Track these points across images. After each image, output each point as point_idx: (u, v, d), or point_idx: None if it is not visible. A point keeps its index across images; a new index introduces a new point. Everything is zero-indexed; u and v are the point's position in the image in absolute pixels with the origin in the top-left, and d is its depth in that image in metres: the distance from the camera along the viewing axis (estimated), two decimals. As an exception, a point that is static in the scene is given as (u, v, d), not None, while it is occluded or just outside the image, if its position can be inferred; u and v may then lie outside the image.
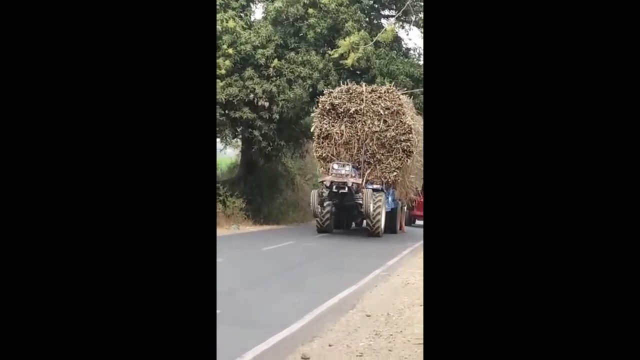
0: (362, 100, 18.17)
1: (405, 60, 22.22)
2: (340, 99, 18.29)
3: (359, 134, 18.14)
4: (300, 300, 7.85)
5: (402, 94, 18.65)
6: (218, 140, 23.84)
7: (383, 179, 18.22)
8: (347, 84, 18.77)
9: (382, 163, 18.15)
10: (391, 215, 19.66)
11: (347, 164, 17.40)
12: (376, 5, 23.65)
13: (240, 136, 23.92)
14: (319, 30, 20.56)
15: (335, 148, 18.30)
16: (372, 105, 18.11)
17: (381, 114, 18.03)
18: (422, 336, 6.00)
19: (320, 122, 18.43)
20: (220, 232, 17.74)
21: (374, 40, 19.38)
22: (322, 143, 18.48)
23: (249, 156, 23.66)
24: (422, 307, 7.54)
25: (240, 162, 25.22)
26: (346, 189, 16.78)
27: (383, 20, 24.38)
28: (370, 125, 18.06)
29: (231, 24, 19.63)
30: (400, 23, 23.13)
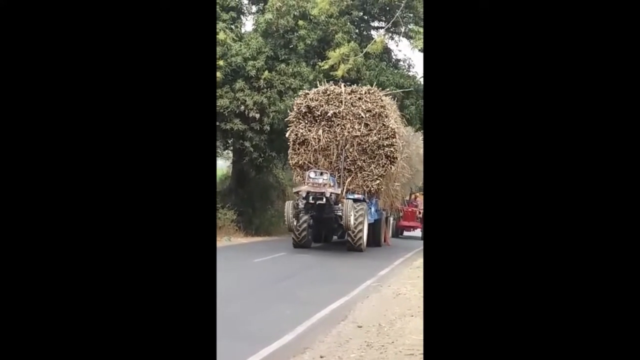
0: (341, 102, 16.69)
1: (395, 71, 22.34)
2: (317, 100, 16.78)
3: (338, 138, 16.62)
4: (291, 311, 7.84)
5: (385, 95, 17.46)
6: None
7: (365, 188, 16.71)
8: (324, 84, 17.54)
9: (364, 170, 16.66)
10: (375, 227, 18.30)
11: (325, 172, 15.78)
12: (366, 17, 23.80)
13: (231, 147, 23.92)
14: (309, 41, 20.65)
15: (313, 155, 16.78)
16: (352, 108, 16.64)
17: (362, 117, 16.55)
18: (413, 347, 6.02)
19: (296, 127, 16.94)
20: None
21: (364, 51, 19.42)
22: (298, 149, 16.95)
23: (240, 167, 23.65)
24: (413, 317, 7.56)
25: (232, 174, 25.18)
26: (324, 199, 15.23)
27: (373, 32, 24.54)
28: (350, 129, 16.53)
29: (222, 36, 19.67)
30: (390, 34, 23.27)
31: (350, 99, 16.74)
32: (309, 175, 15.65)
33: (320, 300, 8.58)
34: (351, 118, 16.55)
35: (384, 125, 16.52)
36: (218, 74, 19.36)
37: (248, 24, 23.31)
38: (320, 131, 16.71)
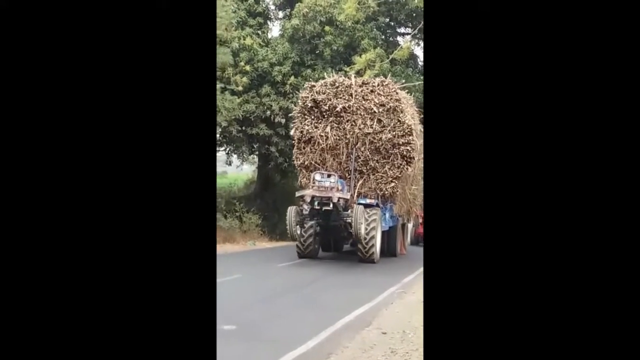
0: (351, 95, 14.79)
1: (422, 77, 22.28)
2: (324, 94, 14.87)
3: (348, 136, 14.76)
4: (315, 317, 7.84)
5: (400, 87, 15.60)
6: (235, 156, 23.95)
7: (378, 192, 14.85)
8: (332, 75, 15.72)
9: (377, 172, 14.82)
10: (389, 235, 16.43)
11: (333, 175, 14.12)
12: (392, 23, 23.78)
13: (257, 152, 24.03)
14: (336, 47, 20.70)
15: (320, 154, 14.97)
16: (364, 102, 14.73)
17: (374, 112, 14.64)
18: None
19: (301, 123, 15.13)
20: (236, 248, 17.75)
21: (390, 57, 19.40)
22: (304, 148, 15.14)
23: (266, 172, 23.76)
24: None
25: (257, 179, 25.31)
26: (331, 205, 13.57)
27: (399, 38, 24.52)
28: (362, 125, 14.66)
29: (248, 41, 19.82)
30: (416, 40, 23.21)
31: (362, 91, 14.84)
32: (314, 178, 14.01)
33: (344, 306, 8.57)
34: (362, 113, 14.71)
35: (399, 121, 14.62)
36: (244, 79, 19.50)
37: (275, 30, 23.46)
38: (328, 128, 14.86)
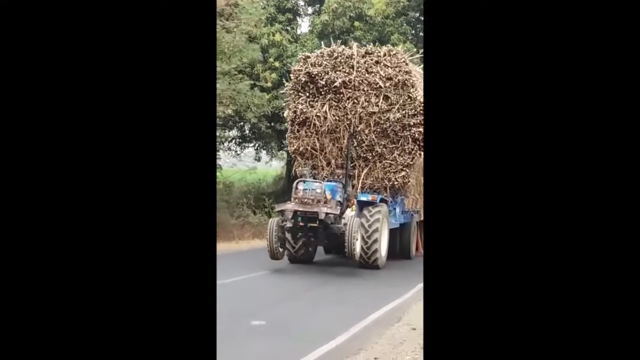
0: (352, 67, 12.24)
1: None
2: (320, 66, 12.34)
3: (350, 116, 12.25)
4: (344, 312, 7.83)
5: (410, 58, 12.88)
6: (264, 152, 24.03)
7: (387, 182, 12.35)
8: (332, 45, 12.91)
9: (385, 159, 12.31)
10: (402, 234, 13.56)
11: (319, 183, 11.20)
12: (422, 18, 23.60)
13: (286, 148, 24.08)
14: (365, 42, 20.61)
15: (317, 138, 12.51)
16: (367, 75, 12.17)
17: (380, 87, 12.07)
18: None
19: (295, 102, 12.57)
20: (264, 244, 17.83)
21: (420, 52, 19.26)
22: (298, 132, 12.65)
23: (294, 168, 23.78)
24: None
25: (285, 174, 25.36)
26: (317, 222, 10.79)
27: (429, 33, 24.30)
28: (365, 103, 12.14)
29: (278, 37, 19.83)
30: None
31: (365, 63, 12.29)
32: (297, 187, 11.17)
33: (373, 302, 8.54)
34: (366, 89, 12.16)
35: (409, 97, 12.04)
36: (274, 75, 19.51)
37: (304, 26, 23.41)
38: (326, 107, 12.35)
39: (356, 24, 20.51)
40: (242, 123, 20.87)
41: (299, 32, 22.40)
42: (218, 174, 18.81)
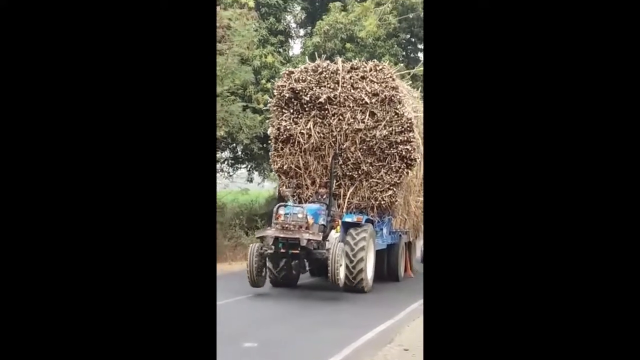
0: (338, 83, 11.99)
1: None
2: (304, 81, 12.10)
3: (335, 133, 11.99)
4: (337, 334, 7.80)
5: (396, 73, 12.79)
6: (256, 173, 24.04)
7: (373, 202, 12.06)
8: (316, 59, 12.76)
9: (372, 177, 12.05)
10: (389, 255, 13.36)
11: (300, 207, 10.84)
12: (413, 40, 23.79)
13: (278, 169, 24.05)
14: (357, 64, 20.73)
15: (301, 156, 12.22)
16: (353, 91, 11.93)
17: (366, 103, 11.87)
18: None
19: (278, 119, 12.32)
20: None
21: (411, 73, 19.38)
22: (282, 149, 12.36)
23: (277, 187, 23.75)
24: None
25: (277, 196, 25.34)
26: (299, 249, 10.44)
27: (420, 54, 24.50)
28: (351, 120, 11.89)
29: (270, 59, 19.92)
30: (438, 56, 23.19)
31: (350, 78, 12.04)
32: (277, 212, 10.90)
33: (365, 322, 8.51)
34: (352, 105, 11.96)
35: (396, 114, 11.81)
36: (266, 96, 19.55)
37: (296, 47, 23.57)
38: (310, 124, 12.09)
39: (347, 45, 20.65)
40: (234, 144, 20.89)
41: (291, 53, 22.52)
42: (210, 195, 18.77)
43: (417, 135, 11.99)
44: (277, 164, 12.45)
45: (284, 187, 12.37)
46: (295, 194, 12.09)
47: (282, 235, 10.41)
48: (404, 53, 22.71)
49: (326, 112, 12.00)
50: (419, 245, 16.46)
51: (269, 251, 10.54)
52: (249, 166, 23.45)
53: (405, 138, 11.74)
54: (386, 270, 13.22)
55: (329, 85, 12.01)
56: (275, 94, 12.43)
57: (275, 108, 12.44)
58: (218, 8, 16.12)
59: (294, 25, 23.55)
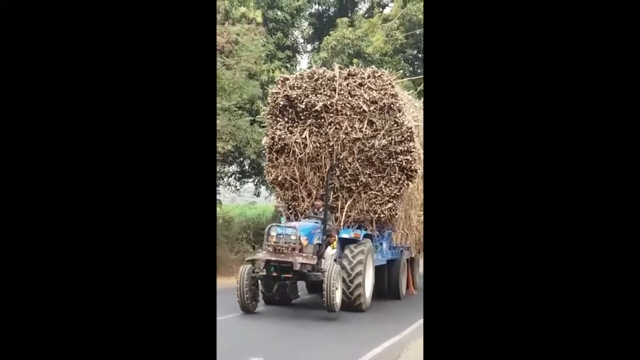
0: (335, 90, 11.27)
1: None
2: (300, 89, 11.35)
3: (332, 143, 11.28)
4: (344, 349, 7.80)
5: (395, 80, 12.03)
6: (263, 187, 24.08)
7: (372, 215, 11.32)
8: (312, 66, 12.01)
9: (370, 189, 11.31)
10: (390, 271, 12.58)
11: (293, 228, 10.06)
12: (420, 55, 23.90)
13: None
14: (363, 79, 20.79)
15: (297, 167, 11.51)
16: (351, 98, 11.21)
17: (365, 112, 11.16)
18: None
19: (272, 128, 11.58)
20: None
21: (418, 89, 19.43)
22: (277, 160, 11.63)
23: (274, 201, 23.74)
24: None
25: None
26: (292, 273, 9.78)
27: (427, 70, 24.57)
28: (349, 129, 11.19)
29: (277, 74, 20.00)
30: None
31: (348, 85, 11.33)
32: (269, 232, 10.12)
33: (372, 338, 8.50)
34: (349, 113, 11.22)
35: (396, 122, 11.10)
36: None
37: (303, 62, 23.70)
38: (306, 133, 11.36)
39: (354, 61, 20.76)
40: (241, 158, 20.94)
41: (298, 68, 22.64)
42: (218, 209, 18.80)
43: (418, 146, 11.31)
44: (271, 175, 11.71)
45: (279, 199, 11.82)
46: (290, 206, 11.63)
47: (274, 259, 9.69)
48: (411, 69, 22.80)
49: (322, 120, 11.33)
50: (422, 261, 14.54)
51: (261, 274, 9.88)
52: (256, 180, 23.49)
53: (406, 148, 11.07)
54: (387, 287, 12.58)
55: (325, 93, 11.30)
56: (270, 101, 11.74)
57: (269, 116, 11.72)
58: (226, 23, 16.25)
59: (301, 40, 23.71)
